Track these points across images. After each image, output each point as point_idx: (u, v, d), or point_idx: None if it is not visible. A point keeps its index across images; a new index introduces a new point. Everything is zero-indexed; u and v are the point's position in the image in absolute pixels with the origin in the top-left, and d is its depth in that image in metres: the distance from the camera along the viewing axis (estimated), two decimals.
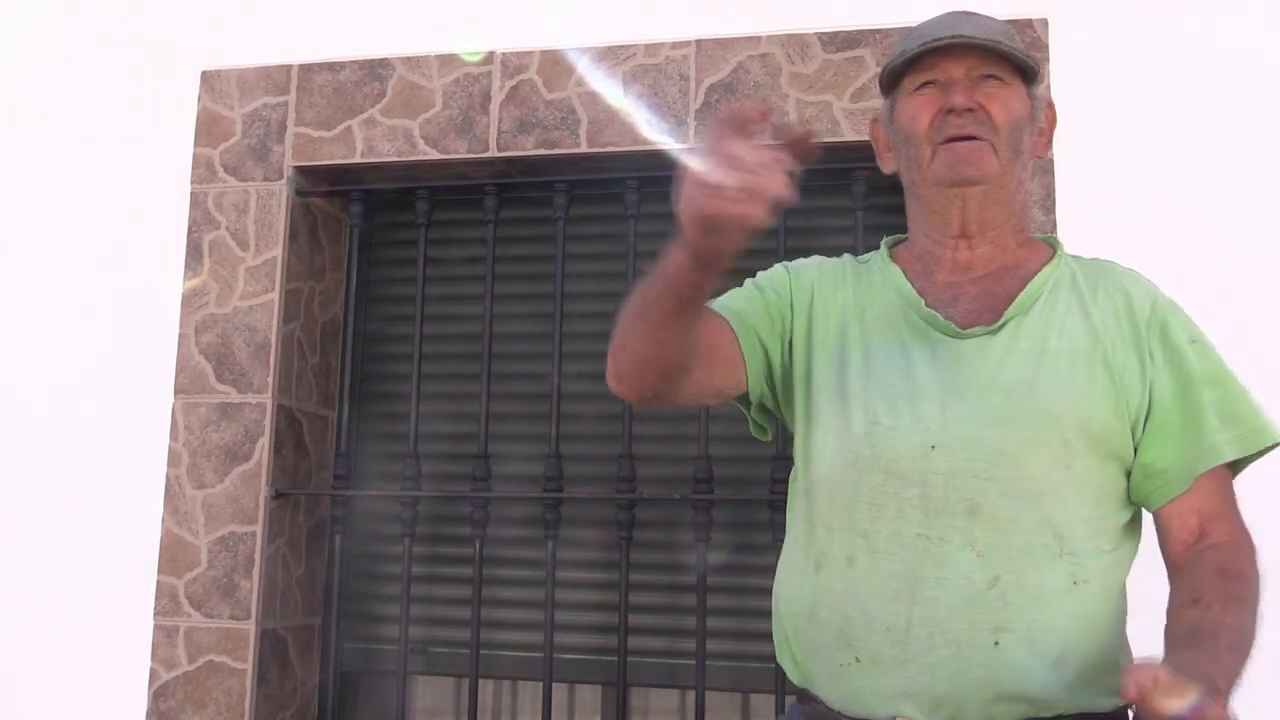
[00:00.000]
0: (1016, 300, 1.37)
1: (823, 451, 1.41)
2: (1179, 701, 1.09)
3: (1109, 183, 2.16)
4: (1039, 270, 1.41)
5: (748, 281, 1.50)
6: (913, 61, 1.40)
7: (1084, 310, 1.38)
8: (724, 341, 1.42)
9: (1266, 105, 2.14)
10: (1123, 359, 1.35)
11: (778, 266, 1.52)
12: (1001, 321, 1.36)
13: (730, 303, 1.47)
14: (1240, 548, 1.33)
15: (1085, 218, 2.14)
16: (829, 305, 1.46)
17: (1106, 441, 1.33)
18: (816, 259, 1.54)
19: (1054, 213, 2.15)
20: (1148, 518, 1.41)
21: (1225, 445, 1.35)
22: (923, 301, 1.40)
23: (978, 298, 1.40)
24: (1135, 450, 1.36)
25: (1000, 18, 2.22)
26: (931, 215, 1.43)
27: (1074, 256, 1.47)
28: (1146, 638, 1.52)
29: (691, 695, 2.35)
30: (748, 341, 1.44)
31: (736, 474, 2.38)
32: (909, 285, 1.42)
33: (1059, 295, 1.39)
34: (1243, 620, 1.26)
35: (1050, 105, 1.50)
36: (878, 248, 1.53)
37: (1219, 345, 2.09)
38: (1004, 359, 1.34)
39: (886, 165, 1.49)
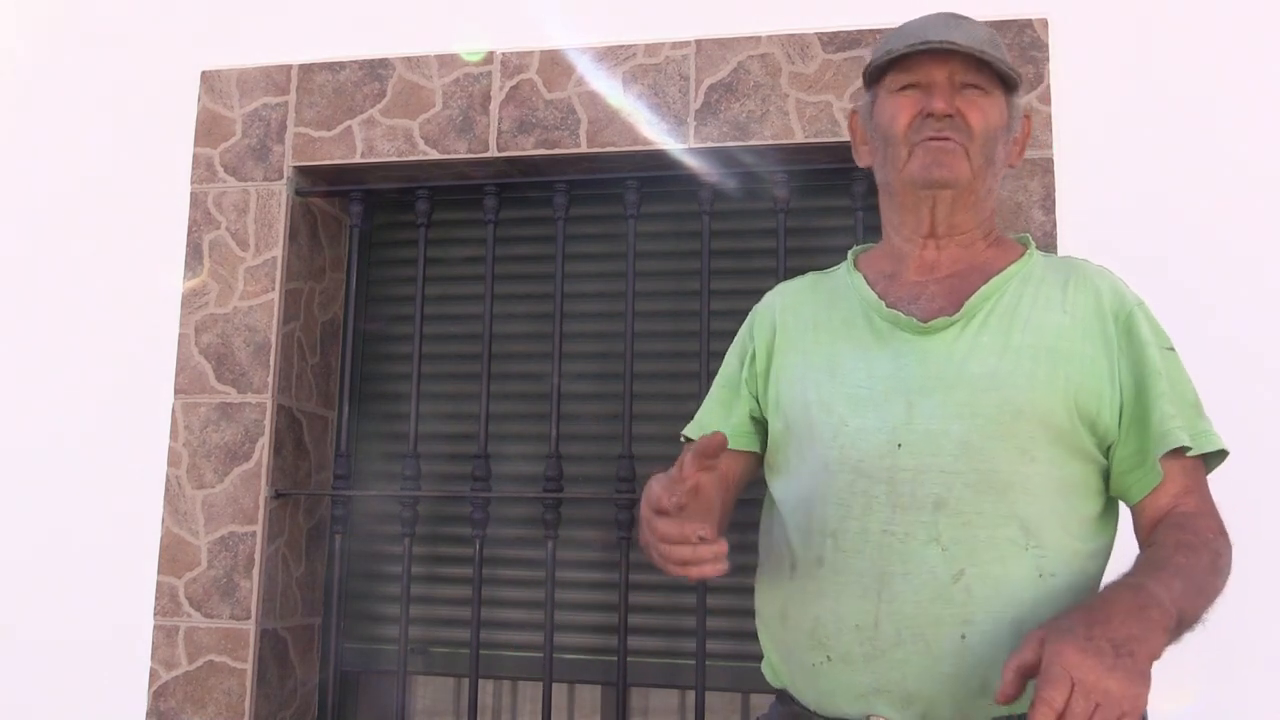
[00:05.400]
0: (979, 292, 1.39)
1: (796, 461, 1.43)
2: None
3: (1109, 183, 2.16)
4: (1004, 268, 1.43)
5: (719, 373, 1.60)
6: (896, 61, 1.43)
7: (1052, 306, 1.39)
8: (728, 477, 1.53)
9: (1267, 105, 2.14)
10: (1090, 354, 1.36)
11: (744, 325, 1.60)
12: (963, 313, 1.38)
13: (715, 425, 1.56)
14: (1205, 518, 1.34)
15: (1085, 218, 2.14)
16: (793, 328, 1.50)
17: (1071, 436, 1.34)
18: (782, 288, 1.60)
19: (1054, 213, 2.15)
20: (1125, 516, 1.42)
21: (1179, 430, 1.34)
22: (884, 304, 1.43)
23: (939, 295, 1.42)
24: (1112, 445, 1.37)
25: (1001, 18, 2.23)
26: (904, 214, 1.46)
27: (1044, 255, 1.49)
28: None
29: (691, 695, 2.35)
30: (740, 440, 1.54)
31: None
32: (870, 290, 1.46)
33: (1025, 291, 1.41)
34: (1193, 579, 1.25)
35: (1026, 117, 1.52)
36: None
37: (1220, 344, 2.10)
38: (968, 355, 1.36)
39: (862, 158, 1.53)
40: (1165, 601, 1.17)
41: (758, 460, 1.55)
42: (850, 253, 1.56)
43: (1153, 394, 1.36)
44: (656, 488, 1.23)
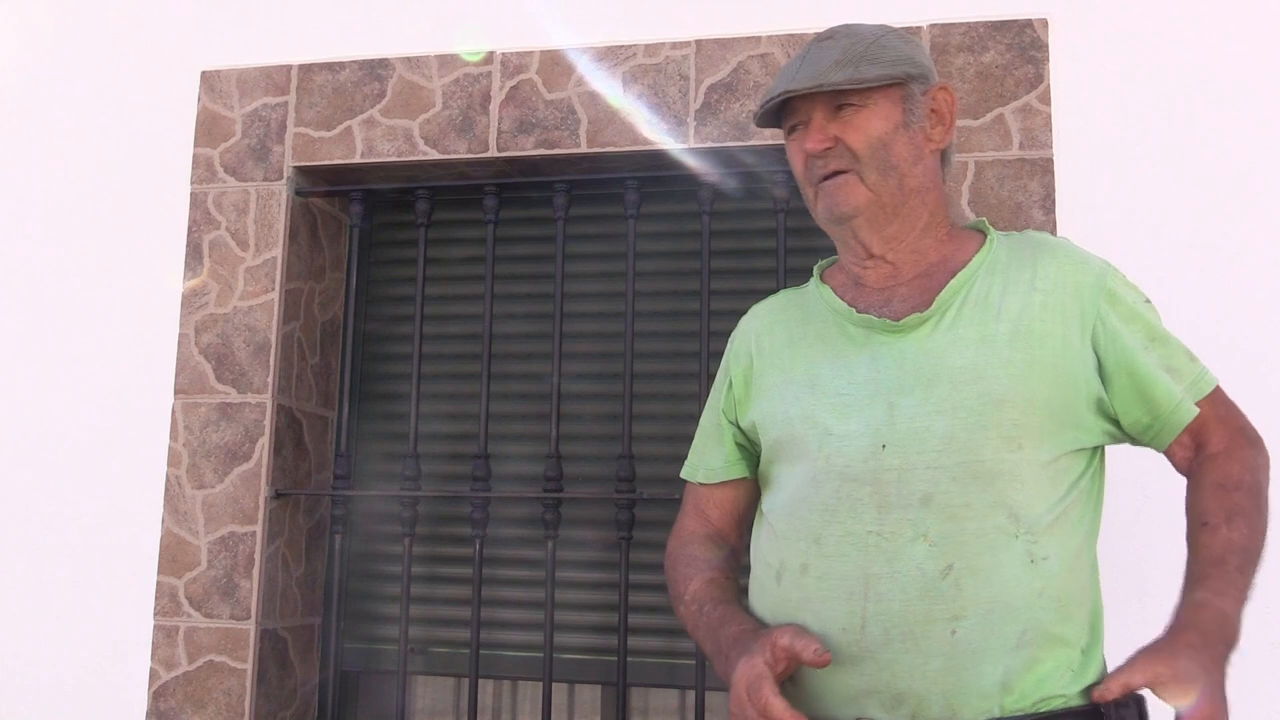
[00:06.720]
0: (949, 286, 1.40)
1: (786, 474, 1.45)
2: (1182, 701, 1.13)
3: (1109, 183, 2.16)
4: (969, 260, 1.44)
5: (707, 404, 1.64)
6: (782, 103, 1.45)
7: (1021, 287, 1.40)
8: (734, 510, 1.60)
9: (1267, 105, 2.14)
10: (1062, 333, 1.37)
11: (726, 352, 1.63)
12: (935, 307, 1.39)
13: (706, 462, 1.61)
14: (1234, 454, 1.40)
15: (1085, 218, 2.14)
16: (770, 349, 1.53)
17: (1057, 416, 1.35)
18: (756, 310, 1.62)
19: (1054, 213, 2.15)
20: (1111, 487, 1.47)
21: (1188, 402, 1.41)
22: (854, 310, 1.45)
23: (909, 295, 1.44)
24: (1114, 412, 1.40)
25: (1001, 18, 2.23)
26: (839, 244, 1.50)
27: (1004, 235, 1.49)
28: (1123, 615, 1.53)
29: (691, 695, 2.35)
30: (733, 470, 1.59)
31: None
32: (839, 300, 1.48)
33: (994, 279, 1.41)
34: (1247, 533, 1.34)
35: (943, 88, 1.47)
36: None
37: (1222, 343, 2.10)
38: (945, 349, 1.37)
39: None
40: (1233, 616, 1.29)
41: (755, 482, 1.59)
42: (816, 268, 1.59)
43: (1151, 371, 1.39)
44: (770, 698, 1.27)
